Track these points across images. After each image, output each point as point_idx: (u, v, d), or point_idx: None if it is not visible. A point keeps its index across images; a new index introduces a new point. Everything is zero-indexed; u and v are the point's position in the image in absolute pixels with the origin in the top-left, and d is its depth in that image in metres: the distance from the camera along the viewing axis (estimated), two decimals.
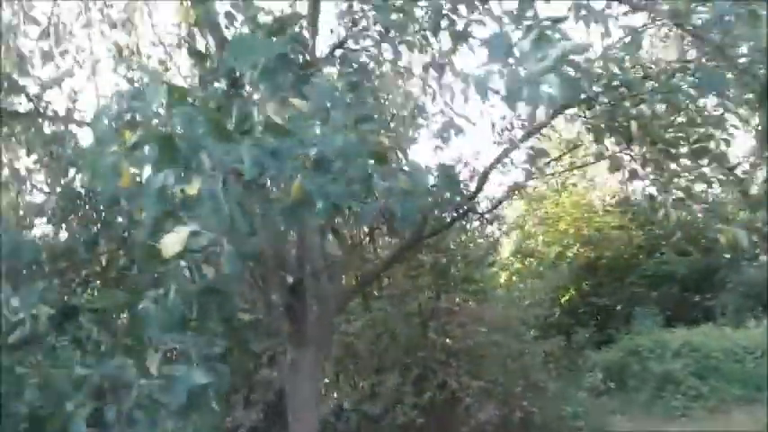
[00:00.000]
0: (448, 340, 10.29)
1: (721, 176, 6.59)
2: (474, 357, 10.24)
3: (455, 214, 7.29)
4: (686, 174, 6.57)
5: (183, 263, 2.54)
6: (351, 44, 5.72)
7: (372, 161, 2.66)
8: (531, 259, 16.47)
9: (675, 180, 6.45)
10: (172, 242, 2.30)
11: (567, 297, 15.94)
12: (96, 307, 2.90)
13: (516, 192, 10.08)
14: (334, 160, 2.42)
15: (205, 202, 2.23)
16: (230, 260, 2.50)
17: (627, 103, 5.59)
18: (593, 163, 8.94)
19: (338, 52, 5.38)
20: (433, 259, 10.54)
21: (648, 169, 6.66)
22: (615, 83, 5.25)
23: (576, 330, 14.42)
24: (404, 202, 2.90)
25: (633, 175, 7.14)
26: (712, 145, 6.42)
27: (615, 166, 7.25)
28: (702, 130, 6.53)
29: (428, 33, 5.40)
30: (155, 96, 2.71)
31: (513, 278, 15.70)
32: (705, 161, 6.78)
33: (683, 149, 6.56)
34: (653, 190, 7.76)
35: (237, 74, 2.82)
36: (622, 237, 16.47)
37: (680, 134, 6.62)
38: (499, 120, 8.31)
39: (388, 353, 10.05)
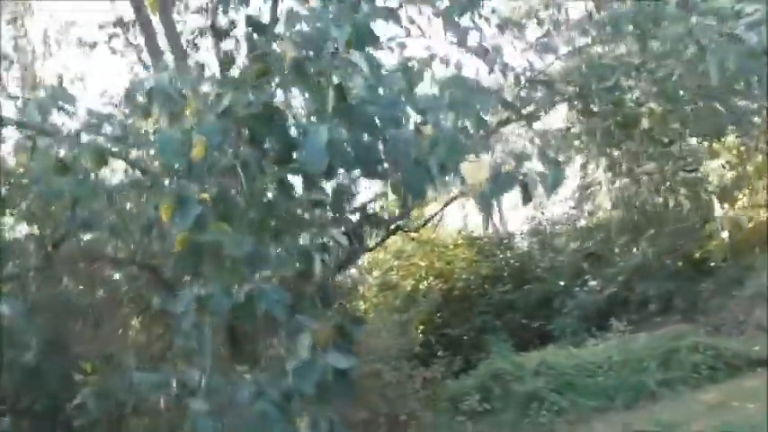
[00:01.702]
0: None
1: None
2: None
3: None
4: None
5: None
6: None
7: None
8: (389, 292, 16.78)
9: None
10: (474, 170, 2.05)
11: (421, 328, 16.40)
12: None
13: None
14: None
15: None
16: None
17: None
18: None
19: None
20: None
21: None
22: None
23: (434, 360, 14.85)
24: None
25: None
26: None
27: None
28: None
29: None
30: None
31: (373, 311, 15.86)
32: None
33: None
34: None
35: None
36: (470, 269, 17.47)
37: None
38: None
39: None
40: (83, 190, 3.56)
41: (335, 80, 2.00)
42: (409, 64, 2.44)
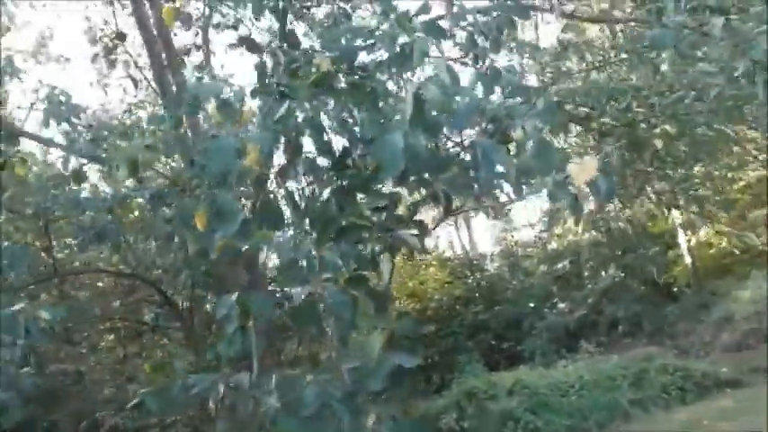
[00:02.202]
0: None
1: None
2: None
3: None
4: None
5: None
6: None
7: None
8: None
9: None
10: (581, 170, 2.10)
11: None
12: None
13: None
14: None
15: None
16: None
17: None
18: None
19: None
20: None
21: None
22: None
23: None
24: None
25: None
26: None
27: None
28: None
29: None
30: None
31: None
32: None
33: None
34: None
35: None
36: (442, 290, 17.61)
37: None
38: None
39: None
40: (92, 202, 3.56)
41: (409, 90, 2.06)
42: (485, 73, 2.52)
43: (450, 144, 2.62)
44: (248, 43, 3.15)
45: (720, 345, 13.90)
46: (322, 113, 2.72)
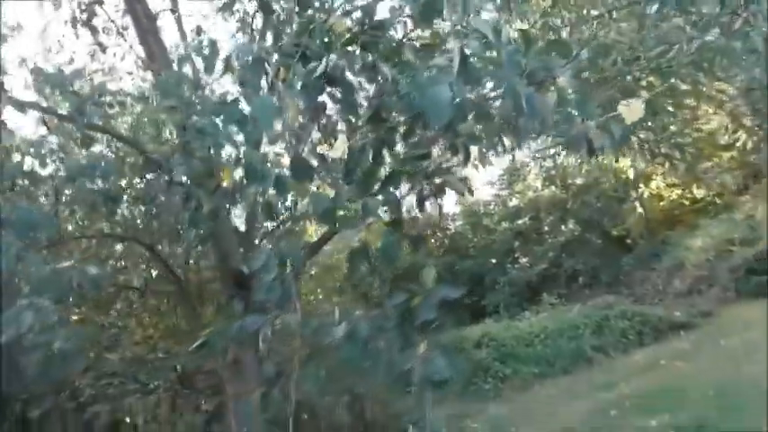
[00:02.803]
0: None
1: None
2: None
3: None
4: None
5: None
6: None
7: None
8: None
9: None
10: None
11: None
12: None
13: None
14: None
15: None
16: None
17: None
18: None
19: None
20: None
21: None
22: None
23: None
24: None
25: None
26: None
27: None
28: None
29: None
30: None
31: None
32: None
33: None
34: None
35: None
36: (406, 249, 17.94)
37: None
38: None
39: None
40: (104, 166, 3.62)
41: (459, 48, 2.19)
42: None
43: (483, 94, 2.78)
44: (262, 4, 3.21)
45: (672, 291, 14.67)
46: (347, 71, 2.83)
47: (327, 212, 2.80)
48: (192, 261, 8.33)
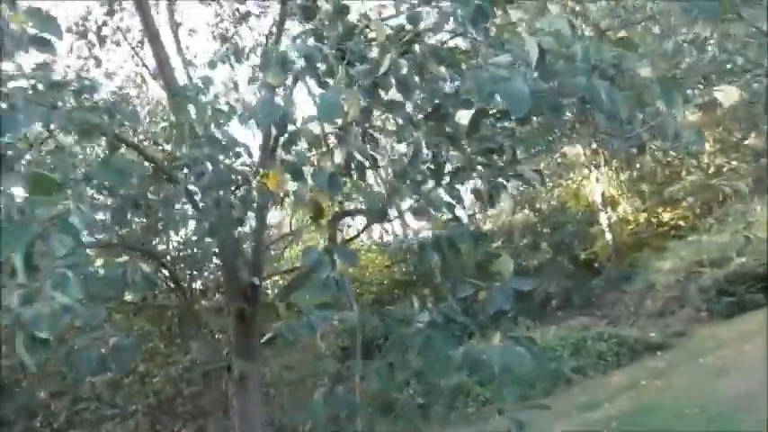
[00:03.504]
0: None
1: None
2: None
3: None
4: None
5: None
6: None
7: None
8: None
9: None
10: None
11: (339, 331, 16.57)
12: None
13: None
14: None
15: None
16: None
17: None
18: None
19: None
20: None
21: None
22: None
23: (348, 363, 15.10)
24: None
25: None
26: None
27: None
28: None
29: None
30: None
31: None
32: None
33: None
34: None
35: None
36: (382, 275, 17.90)
37: None
38: None
39: None
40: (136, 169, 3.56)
41: (535, 43, 2.21)
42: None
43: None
44: (304, 10, 3.18)
45: (645, 312, 14.93)
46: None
47: (378, 210, 2.78)
48: (195, 272, 8.13)
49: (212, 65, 3.97)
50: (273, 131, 5.32)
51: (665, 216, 19.62)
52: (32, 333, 1.81)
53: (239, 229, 4.91)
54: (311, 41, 3.18)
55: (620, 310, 15.42)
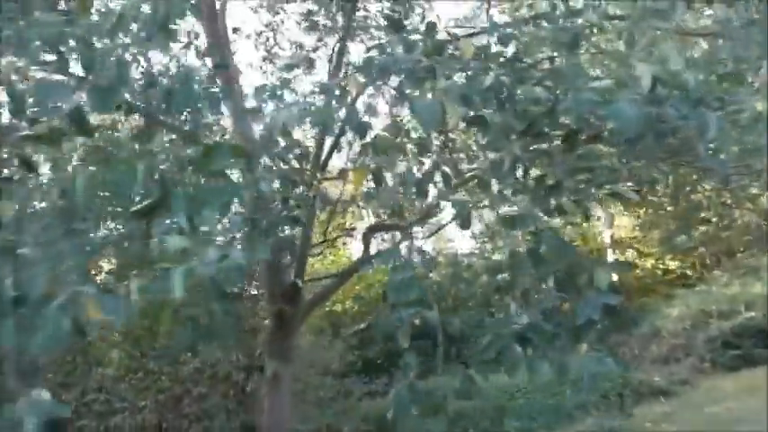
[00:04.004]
0: None
1: None
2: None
3: None
4: None
5: None
6: None
7: None
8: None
9: None
10: None
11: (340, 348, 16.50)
12: None
13: None
14: None
15: None
16: None
17: None
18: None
19: None
20: None
21: None
22: None
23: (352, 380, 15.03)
24: None
25: None
26: None
27: None
28: None
29: None
30: None
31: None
32: None
33: None
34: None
35: None
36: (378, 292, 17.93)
37: None
38: None
39: None
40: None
41: (648, 70, 2.31)
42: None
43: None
44: (394, 22, 3.29)
45: (649, 356, 14.91)
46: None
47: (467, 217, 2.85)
48: None
49: (289, 68, 4.07)
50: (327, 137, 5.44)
51: (672, 264, 19.71)
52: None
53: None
54: (399, 51, 3.28)
55: (625, 352, 15.37)
